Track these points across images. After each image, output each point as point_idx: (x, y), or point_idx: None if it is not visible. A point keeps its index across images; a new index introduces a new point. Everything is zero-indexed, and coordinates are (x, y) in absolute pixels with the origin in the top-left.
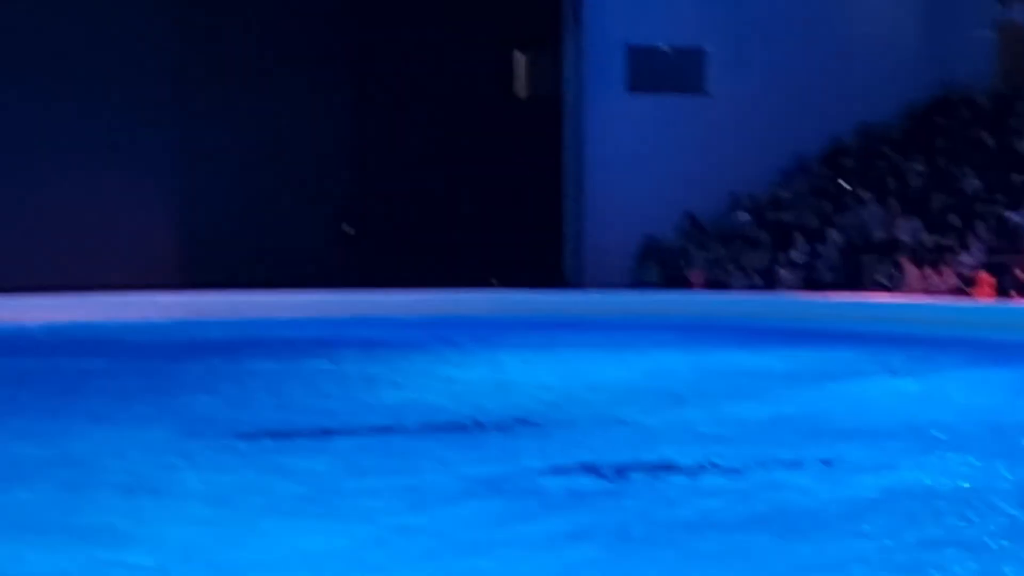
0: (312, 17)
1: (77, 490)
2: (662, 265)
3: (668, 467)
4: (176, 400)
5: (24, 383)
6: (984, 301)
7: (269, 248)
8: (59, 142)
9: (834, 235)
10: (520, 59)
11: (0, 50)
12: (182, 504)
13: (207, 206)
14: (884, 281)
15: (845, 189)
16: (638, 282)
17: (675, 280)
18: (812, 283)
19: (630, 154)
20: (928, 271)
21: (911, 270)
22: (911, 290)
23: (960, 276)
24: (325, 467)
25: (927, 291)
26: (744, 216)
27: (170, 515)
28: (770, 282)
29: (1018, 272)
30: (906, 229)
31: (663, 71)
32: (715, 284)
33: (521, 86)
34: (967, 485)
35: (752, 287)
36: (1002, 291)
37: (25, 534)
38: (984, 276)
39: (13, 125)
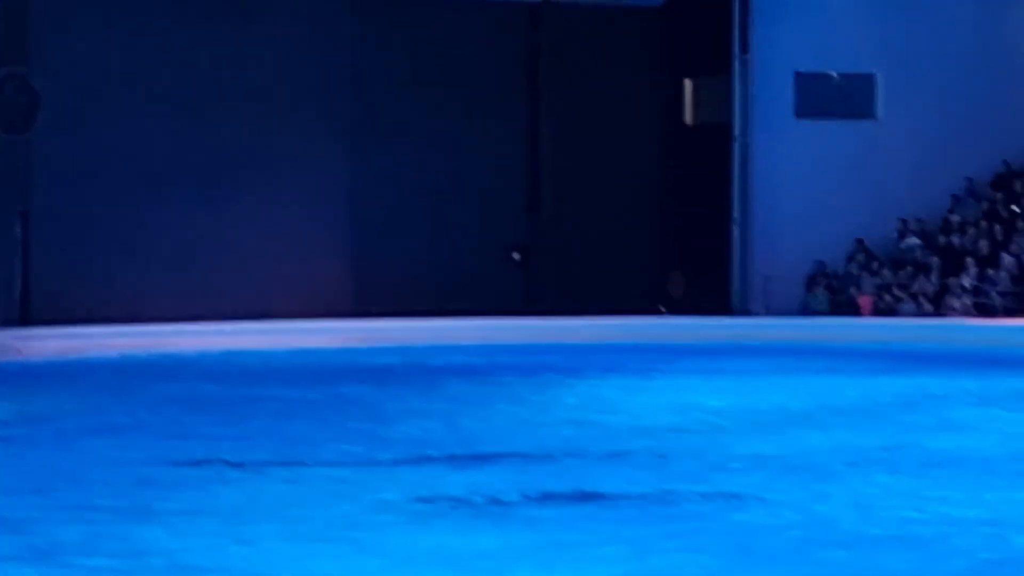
0: (484, 46)
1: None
2: (831, 291)
3: (835, 490)
4: (344, 423)
5: (200, 408)
6: None
7: (439, 276)
8: (234, 174)
9: (1005, 260)
10: (689, 87)
11: (179, 84)
12: (329, 527)
13: (379, 235)
14: None
15: (1017, 213)
16: (806, 309)
17: (844, 306)
18: (983, 309)
19: (798, 180)
20: None
21: None
22: None
23: None
24: (488, 489)
25: None
26: (914, 241)
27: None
28: (940, 308)
29: None
30: None
31: (831, 97)
32: (884, 310)
33: (690, 114)
34: None
35: (922, 313)
36: None
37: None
38: None
39: (193, 159)
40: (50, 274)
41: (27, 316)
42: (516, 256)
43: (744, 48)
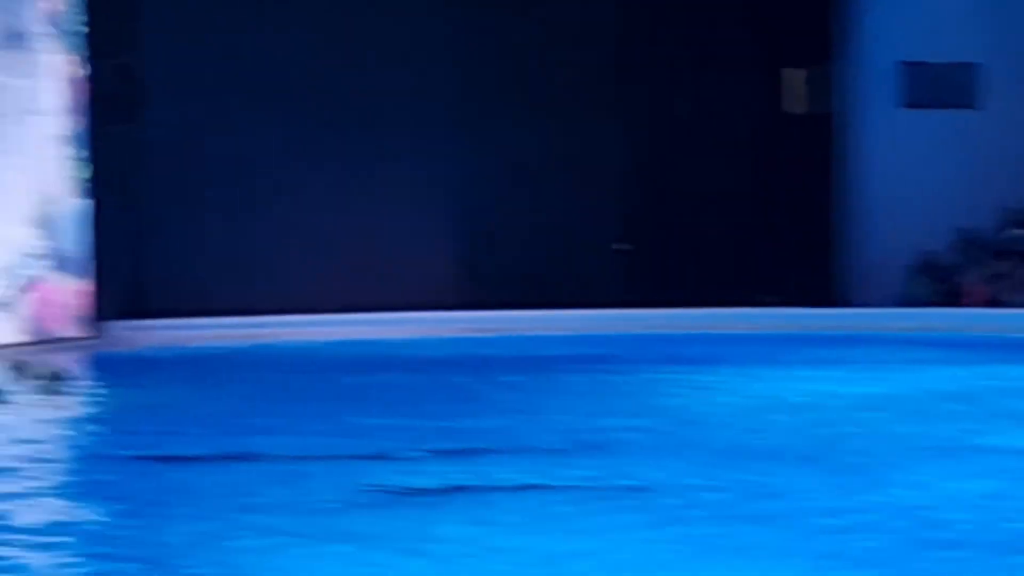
0: (585, 39)
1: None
2: (935, 282)
3: (940, 483)
4: (447, 414)
5: (312, 397)
6: None
7: (545, 267)
8: (341, 166)
9: None
10: (791, 76)
11: (288, 74)
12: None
13: (486, 226)
14: None
15: None
16: (910, 299)
17: (948, 297)
18: None
19: (903, 170)
20: None
21: None
22: None
23: None
24: (592, 482)
25: None
26: (1019, 231)
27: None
28: None
29: None
30: None
31: (936, 86)
32: (990, 300)
33: (792, 103)
34: None
35: None
36: None
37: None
38: None
39: (302, 151)
40: (160, 266)
41: (138, 308)
42: (621, 247)
43: (847, 36)
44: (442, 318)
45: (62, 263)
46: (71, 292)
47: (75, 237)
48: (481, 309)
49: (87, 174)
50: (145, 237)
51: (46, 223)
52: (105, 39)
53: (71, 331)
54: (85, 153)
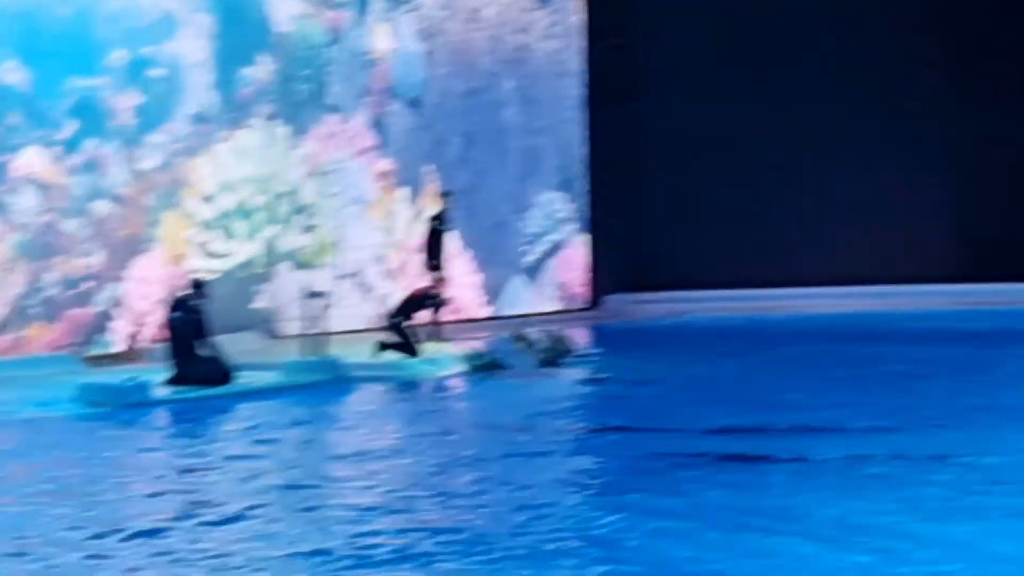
0: None
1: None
2: None
3: None
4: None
5: (808, 370)
6: None
7: None
8: (832, 139)
9: None
10: None
11: (775, 51)
12: None
13: (982, 199)
14: None
15: None
16: None
17: None
18: None
19: None
20: None
21: None
22: None
23: None
24: None
25: None
26: None
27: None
28: None
29: None
30: None
31: None
32: None
33: None
34: None
35: None
36: None
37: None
38: None
39: (791, 125)
40: (657, 240)
41: (637, 280)
42: None
43: None
44: (939, 291)
45: (579, 229)
46: (584, 259)
47: (587, 205)
48: (978, 282)
49: (592, 147)
50: (643, 212)
51: (567, 187)
52: (606, 21)
53: (582, 297)
54: (590, 125)
